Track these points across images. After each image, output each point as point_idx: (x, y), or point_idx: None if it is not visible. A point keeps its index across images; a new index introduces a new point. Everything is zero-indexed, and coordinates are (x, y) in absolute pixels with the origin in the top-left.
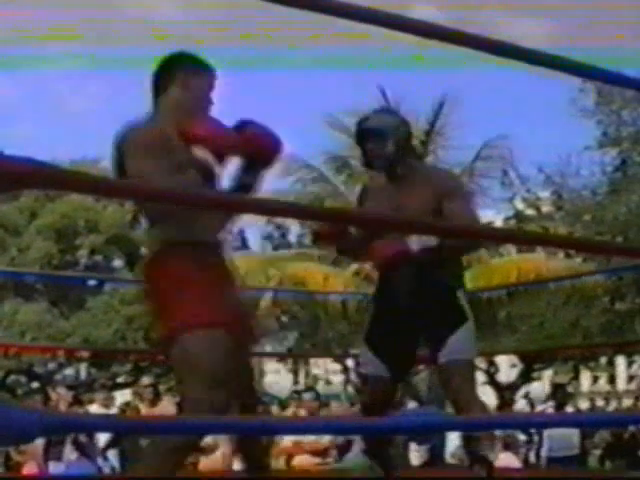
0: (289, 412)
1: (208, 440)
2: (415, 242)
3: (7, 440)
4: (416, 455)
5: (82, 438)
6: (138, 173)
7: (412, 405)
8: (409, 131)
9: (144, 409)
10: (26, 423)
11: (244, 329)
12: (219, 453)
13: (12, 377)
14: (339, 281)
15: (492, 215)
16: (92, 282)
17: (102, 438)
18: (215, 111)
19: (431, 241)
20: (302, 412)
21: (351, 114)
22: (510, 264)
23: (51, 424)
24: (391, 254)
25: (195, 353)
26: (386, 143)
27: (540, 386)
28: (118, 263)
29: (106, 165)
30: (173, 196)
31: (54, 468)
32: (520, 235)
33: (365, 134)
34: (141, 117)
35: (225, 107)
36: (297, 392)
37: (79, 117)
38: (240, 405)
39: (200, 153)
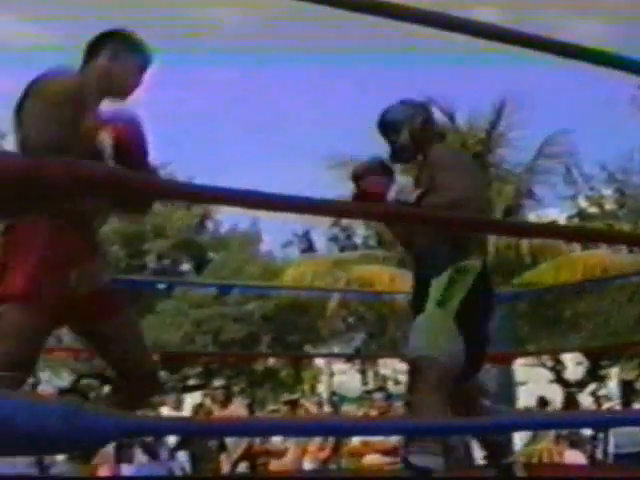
0: (360, 412)
1: (278, 443)
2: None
3: (85, 444)
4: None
5: (150, 440)
6: (33, 113)
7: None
8: (426, 117)
9: (216, 411)
10: (103, 427)
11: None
12: (289, 456)
13: (84, 381)
14: (405, 282)
15: (556, 213)
16: (161, 286)
17: (171, 439)
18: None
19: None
20: (373, 412)
21: None
22: (577, 260)
23: (127, 427)
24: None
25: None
26: (400, 134)
27: (609, 383)
28: (186, 267)
29: (173, 170)
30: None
31: (126, 470)
32: (578, 232)
33: (381, 128)
34: (65, 69)
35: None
36: (368, 392)
37: (158, 119)
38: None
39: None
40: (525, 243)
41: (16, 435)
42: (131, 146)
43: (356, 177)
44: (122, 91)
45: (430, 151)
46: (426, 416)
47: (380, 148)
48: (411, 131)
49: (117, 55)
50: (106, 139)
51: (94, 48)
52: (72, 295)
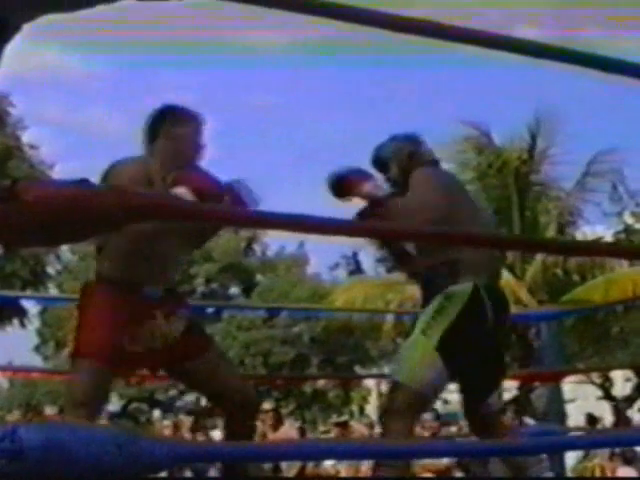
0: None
1: (328, 467)
2: None
3: (138, 471)
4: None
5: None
6: None
7: (529, 421)
8: (412, 149)
9: (267, 433)
10: (157, 454)
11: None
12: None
13: (134, 405)
14: None
15: (602, 230)
16: (210, 310)
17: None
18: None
19: None
20: (424, 433)
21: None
22: (625, 277)
23: (181, 454)
24: None
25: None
26: (390, 169)
27: None
28: (234, 290)
29: None
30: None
31: None
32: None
33: (373, 166)
34: (129, 157)
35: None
36: None
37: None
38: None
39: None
40: (573, 260)
41: (71, 463)
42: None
43: (347, 190)
44: (188, 160)
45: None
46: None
47: None
48: (399, 165)
49: (171, 133)
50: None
51: (150, 133)
52: (150, 348)
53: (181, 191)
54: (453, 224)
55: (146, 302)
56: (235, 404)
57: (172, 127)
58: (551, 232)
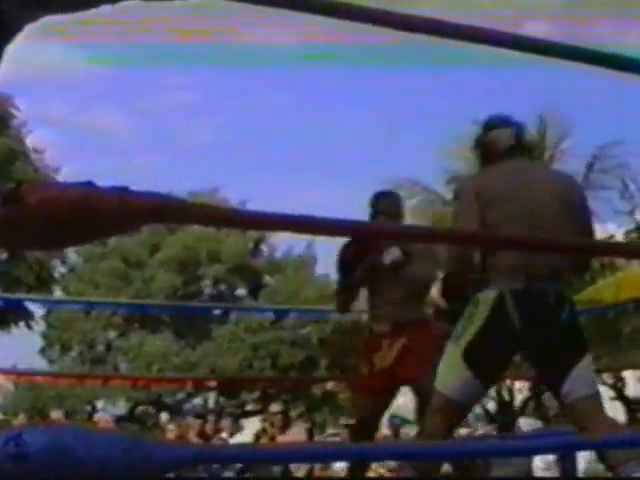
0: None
1: (338, 469)
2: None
3: (142, 475)
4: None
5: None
6: None
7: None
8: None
9: (275, 436)
10: (161, 457)
11: None
12: None
13: (141, 408)
14: None
15: (614, 228)
16: (217, 312)
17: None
18: None
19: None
20: None
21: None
22: (637, 277)
23: (186, 457)
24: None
25: None
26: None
27: None
28: (241, 292)
29: (225, 195)
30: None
31: None
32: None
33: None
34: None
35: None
36: None
37: (194, 148)
38: None
39: None
40: None
41: (76, 466)
42: None
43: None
44: None
45: None
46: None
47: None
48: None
49: None
50: None
51: None
52: None
53: None
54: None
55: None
56: None
57: None
58: None
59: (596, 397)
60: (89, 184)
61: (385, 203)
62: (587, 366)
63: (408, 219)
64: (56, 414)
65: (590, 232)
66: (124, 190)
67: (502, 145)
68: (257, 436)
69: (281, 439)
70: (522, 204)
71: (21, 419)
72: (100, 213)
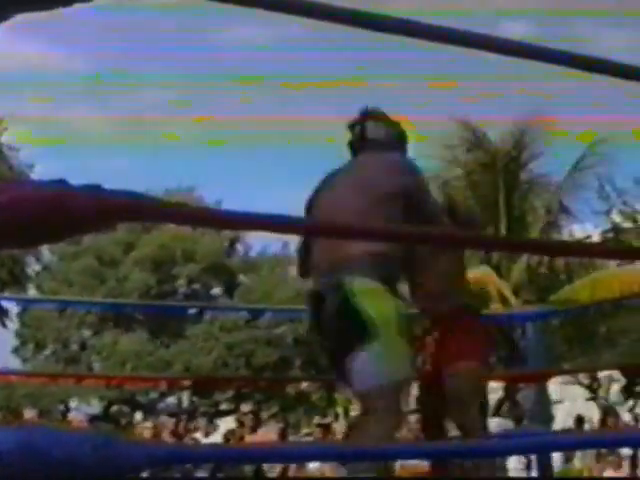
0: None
1: (313, 470)
2: None
3: (114, 473)
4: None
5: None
6: None
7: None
8: None
9: (246, 436)
10: (133, 456)
11: None
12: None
13: (115, 407)
14: None
15: (591, 229)
16: (192, 311)
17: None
18: None
19: None
20: (408, 434)
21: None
22: (613, 277)
23: (158, 456)
24: None
25: None
26: None
27: None
28: (216, 291)
29: (201, 194)
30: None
31: None
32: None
33: None
34: None
35: None
36: None
37: (171, 147)
38: None
39: None
40: (560, 260)
41: (47, 465)
42: None
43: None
44: None
45: None
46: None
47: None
48: None
49: None
50: None
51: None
52: None
53: None
54: None
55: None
56: None
57: None
58: (537, 230)
59: (380, 389)
60: (62, 182)
61: None
62: (366, 359)
63: None
64: (29, 413)
65: None
66: (98, 189)
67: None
68: (226, 437)
69: (250, 439)
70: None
71: None
72: (74, 212)
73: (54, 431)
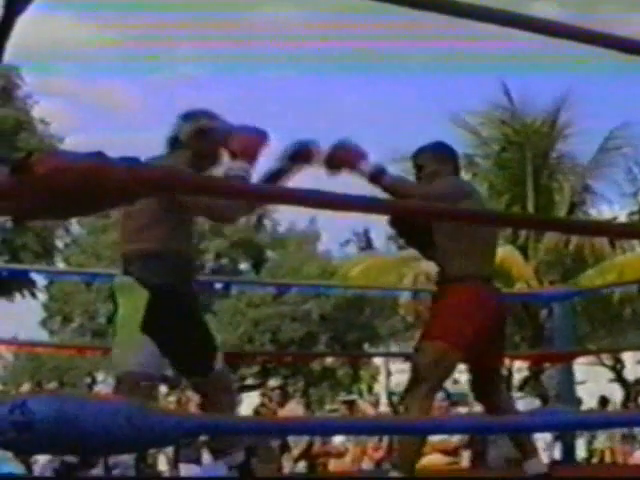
0: None
1: (338, 444)
2: None
3: (146, 443)
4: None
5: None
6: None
7: (537, 403)
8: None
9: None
10: (166, 427)
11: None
12: (349, 456)
13: None
14: None
15: (618, 210)
16: (218, 285)
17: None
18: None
19: None
20: (434, 412)
21: (475, 113)
22: (622, 263)
23: (190, 427)
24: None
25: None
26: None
27: None
28: (244, 266)
29: None
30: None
31: (185, 470)
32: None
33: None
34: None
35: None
36: None
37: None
38: None
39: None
40: (587, 241)
41: (81, 434)
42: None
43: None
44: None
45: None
46: None
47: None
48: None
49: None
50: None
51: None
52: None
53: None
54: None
55: (495, 296)
56: None
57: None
58: (564, 210)
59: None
60: (99, 155)
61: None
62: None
63: None
64: (55, 386)
65: None
66: (133, 161)
67: None
68: (256, 411)
69: (279, 414)
70: None
71: (25, 388)
72: (109, 184)
73: (88, 401)
